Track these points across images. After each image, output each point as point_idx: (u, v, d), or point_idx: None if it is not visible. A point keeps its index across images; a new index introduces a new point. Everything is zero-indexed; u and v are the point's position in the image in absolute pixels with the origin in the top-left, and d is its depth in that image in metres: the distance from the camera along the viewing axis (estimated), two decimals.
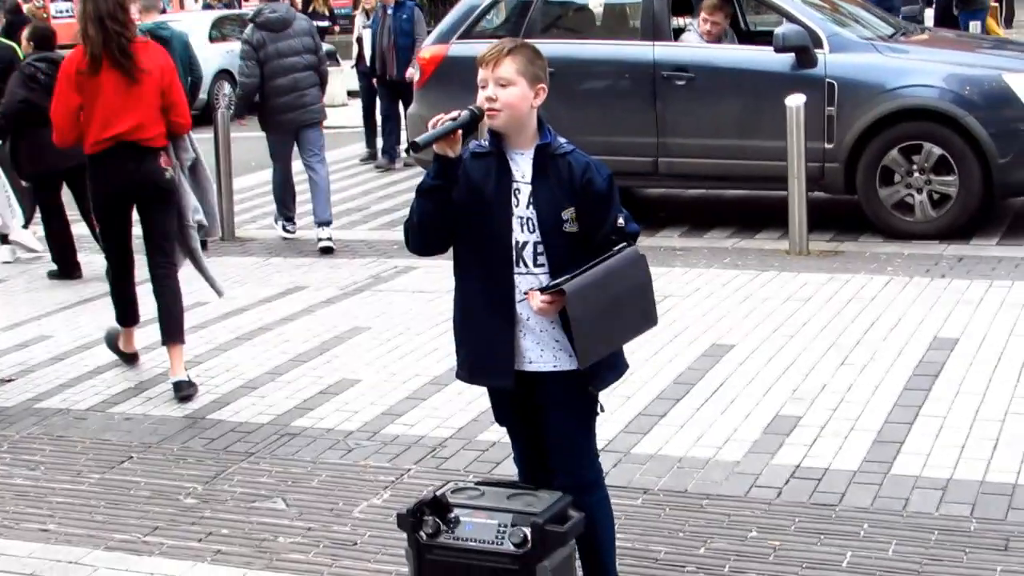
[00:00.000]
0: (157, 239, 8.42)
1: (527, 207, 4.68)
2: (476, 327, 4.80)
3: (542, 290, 4.55)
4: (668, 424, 7.06)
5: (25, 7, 20.73)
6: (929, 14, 20.28)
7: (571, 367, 4.68)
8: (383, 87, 17.20)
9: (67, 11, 35.12)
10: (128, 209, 8.40)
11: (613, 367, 4.83)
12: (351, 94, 22.50)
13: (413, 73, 15.99)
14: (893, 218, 11.26)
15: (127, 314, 8.70)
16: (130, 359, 8.88)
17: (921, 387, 7.41)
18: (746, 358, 8.10)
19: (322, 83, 12.78)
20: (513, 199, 4.68)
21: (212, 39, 25.90)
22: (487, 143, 4.74)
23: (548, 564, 4.45)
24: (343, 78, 24.28)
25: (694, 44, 12.16)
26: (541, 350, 4.71)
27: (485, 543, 4.49)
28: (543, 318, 4.63)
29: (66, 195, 11.61)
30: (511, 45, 4.74)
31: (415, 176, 15.76)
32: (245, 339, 9.30)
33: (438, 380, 8.07)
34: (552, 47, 10.33)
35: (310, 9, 26.43)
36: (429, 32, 15.01)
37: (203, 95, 13.27)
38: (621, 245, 4.67)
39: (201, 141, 14.58)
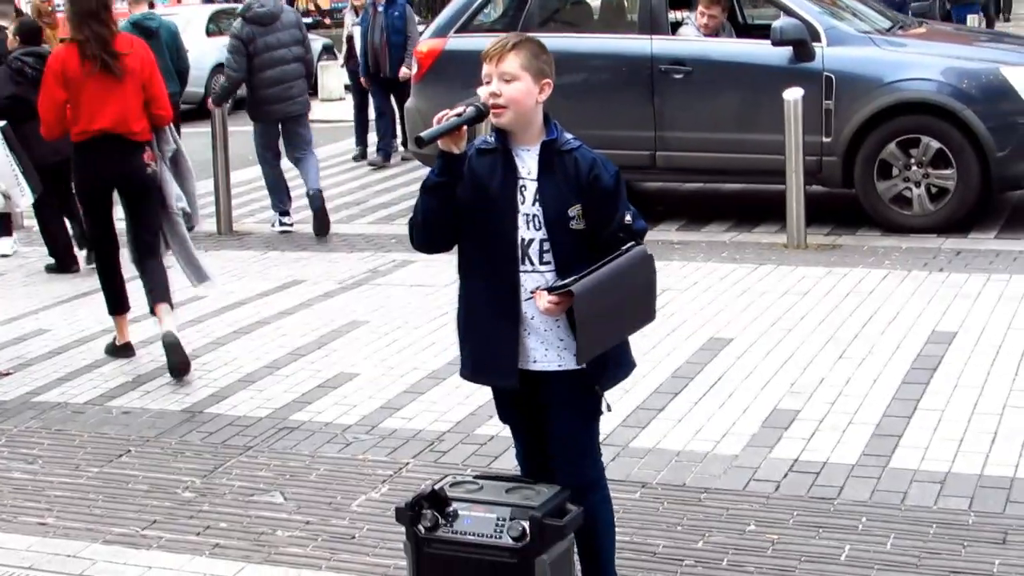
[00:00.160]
0: (142, 234, 8.76)
1: (533, 204, 4.61)
2: (480, 325, 4.75)
3: (549, 290, 4.49)
4: (666, 418, 7.06)
5: (26, 5, 20.71)
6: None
7: (576, 366, 4.65)
8: (376, 85, 17.08)
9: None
10: (111, 197, 8.70)
11: (621, 365, 4.79)
12: (348, 88, 22.49)
13: (407, 73, 16.09)
14: (891, 212, 11.26)
15: (117, 301, 8.93)
16: (125, 351, 8.92)
17: (919, 381, 7.41)
18: (744, 352, 8.10)
19: (308, 74, 13.07)
20: (519, 196, 4.62)
21: (209, 33, 25.92)
22: (492, 139, 4.68)
23: (546, 558, 4.44)
24: (340, 73, 24.27)
25: (692, 38, 12.15)
26: (546, 349, 4.66)
27: (483, 537, 4.48)
28: (548, 317, 4.58)
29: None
30: (515, 40, 4.66)
31: (412, 170, 15.79)
32: (243, 333, 9.30)
33: (436, 374, 8.07)
34: (550, 41, 10.24)
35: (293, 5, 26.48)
36: (422, 28, 15.04)
37: (200, 89, 13.34)
38: (629, 244, 4.61)
39: (199, 135, 14.68)
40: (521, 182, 4.63)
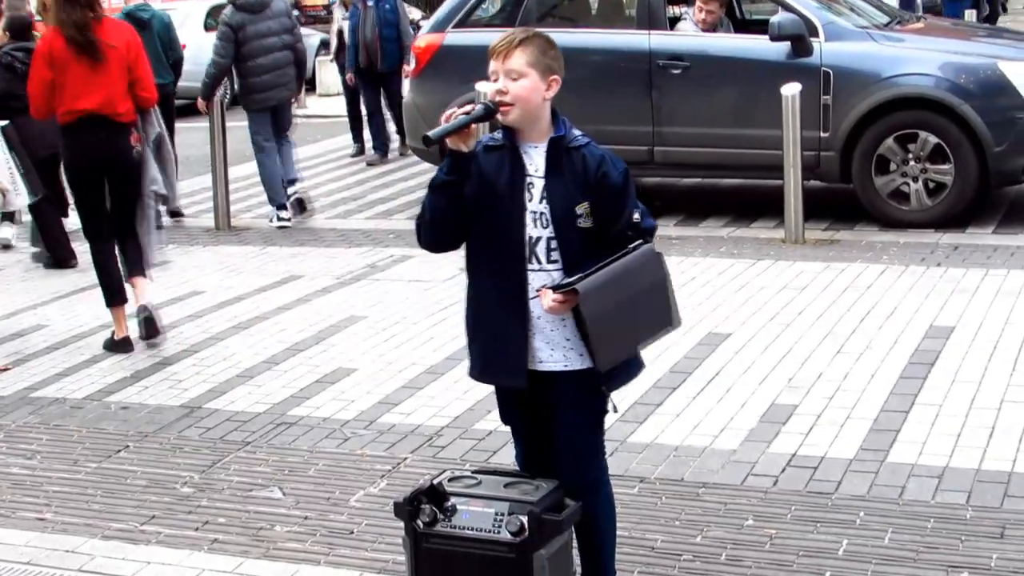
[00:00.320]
0: (124, 211, 9.02)
1: (540, 202, 4.56)
2: (488, 325, 4.72)
3: (554, 288, 4.45)
4: (664, 413, 7.06)
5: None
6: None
7: (582, 366, 4.61)
8: (366, 80, 16.91)
9: None
10: (101, 181, 8.91)
11: (627, 366, 4.72)
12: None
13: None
14: (889, 207, 11.26)
15: (113, 292, 9.05)
16: (124, 346, 8.95)
17: (917, 375, 7.42)
18: (742, 347, 8.11)
19: (299, 62, 13.25)
20: (526, 194, 4.57)
21: (207, 28, 25.86)
22: (500, 136, 4.63)
23: (545, 552, 4.45)
24: (336, 67, 24.24)
25: (690, 33, 12.15)
26: (551, 350, 4.62)
27: (482, 531, 4.49)
28: (554, 316, 4.54)
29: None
30: (522, 36, 4.59)
31: (410, 165, 15.79)
32: (241, 328, 9.30)
33: (434, 369, 8.07)
34: None
35: None
36: (419, 22, 15.03)
37: (198, 84, 13.41)
38: (637, 242, 4.56)
39: (197, 131, 14.68)
40: (528, 179, 4.58)
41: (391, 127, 17.22)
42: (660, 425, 6.89)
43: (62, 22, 8.65)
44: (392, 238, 11.96)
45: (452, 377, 7.87)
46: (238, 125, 13.69)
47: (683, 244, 10.86)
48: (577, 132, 4.66)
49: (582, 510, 4.73)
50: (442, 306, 9.44)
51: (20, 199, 10.28)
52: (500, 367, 4.73)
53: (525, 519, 4.43)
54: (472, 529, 4.50)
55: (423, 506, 4.55)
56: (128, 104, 8.81)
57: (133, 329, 8.98)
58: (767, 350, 8.02)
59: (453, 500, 4.56)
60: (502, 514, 4.48)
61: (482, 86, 11.64)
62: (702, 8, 12.07)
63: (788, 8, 11.51)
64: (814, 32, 11.37)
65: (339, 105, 19.05)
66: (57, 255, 11.69)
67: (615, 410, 4.86)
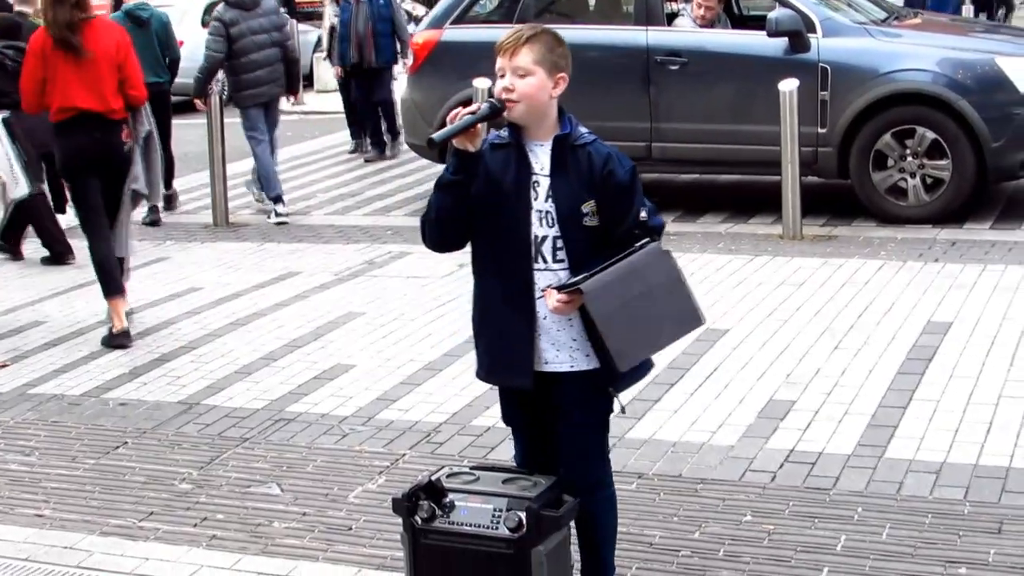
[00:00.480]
0: (110, 211, 9.19)
1: (546, 200, 4.53)
2: (493, 324, 4.70)
3: (559, 288, 4.43)
4: (662, 409, 7.07)
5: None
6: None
7: (588, 367, 4.58)
8: (359, 77, 16.75)
9: None
10: (95, 177, 9.07)
11: (635, 367, 4.64)
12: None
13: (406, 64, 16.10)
14: (886, 202, 11.26)
15: (110, 282, 9.15)
16: (122, 338, 8.97)
17: (915, 371, 7.42)
18: (740, 343, 8.11)
19: (291, 60, 13.51)
20: (532, 192, 4.54)
21: (205, 24, 25.88)
22: (506, 134, 4.59)
23: (543, 548, 4.45)
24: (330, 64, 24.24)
25: (687, 29, 12.15)
26: (557, 350, 4.59)
27: (480, 527, 4.49)
28: (559, 317, 4.51)
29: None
30: (530, 32, 4.55)
31: (408, 162, 15.77)
32: (239, 324, 9.30)
33: (432, 365, 8.08)
34: None
35: None
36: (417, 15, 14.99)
37: (194, 81, 13.52)
38: (643, 240, 4.52)
39: (195, 127, 14.68)
40: (534, 178, 4.54)
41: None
42: (658, 421, 6.90)
43: (49, 21, 8.88)
44: (390, 234, 11.97)
45: (450, 373, 7.87)
46: (236, 122, 13.70)
47: (681, 240, 10.85)
48: (583, 130, 4.62)
49: (584, 510, 4.73)
50: (440, 302, 9.44)
51: (19, 189, 10.29)
52: (506, 367, 4.69)
53: (523, 515, 4.43)
54: (470, 525, 4.50)
55: (421, 502, 4.55)
56: (119, 102, 9.02)
57: (132, 327, 8.97)
58: (765, 346, 8.02)
59: (451, 496, 4.56)
60: (500, 510, 4.48)
61: (480, 82, 11.66)
62: (701, 4, 12.06)
63: (785, 4, 11.50)
64: (811, 28, 11.37)
65: (336, 101, 19.01)
66: (54, 251, 11.70)
67: (623, 411, 4.85)
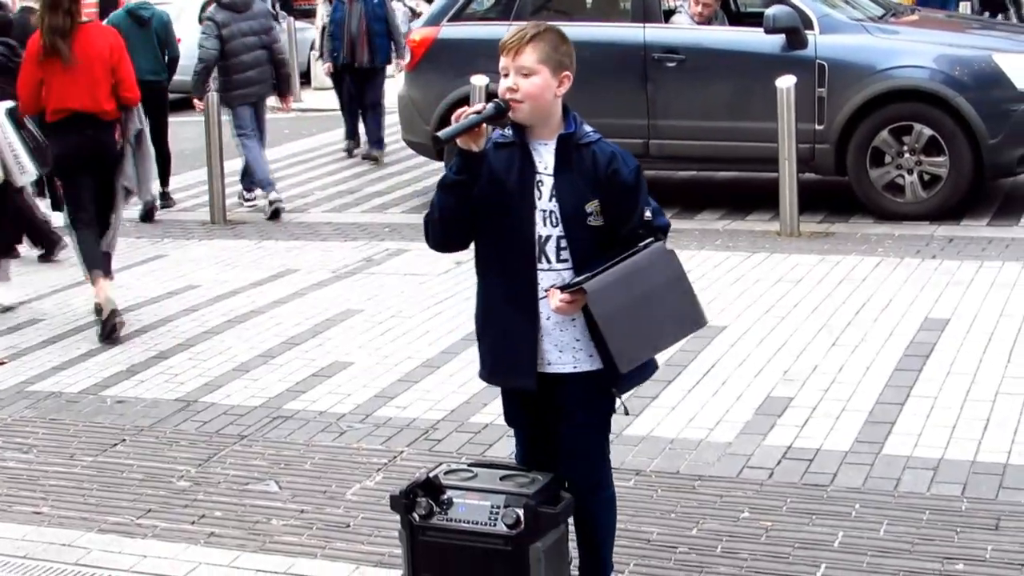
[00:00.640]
0: (103, 209, 9.48)
1: (550, 200, 4.50)
2: (496, 325, 4.67)
3: (562, 288, 4.40)
4: (660, 406, 7.07)
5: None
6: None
7: (591, 368, 4.57)
8: (351, 76, 16.49)
9: None
10: (88, 174, 9.38)
11: (640, 368, 4.62)
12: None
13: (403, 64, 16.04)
14: (884, 199, 11.27)
15: (92, 257, 9.41)
16: (107, 317, 9.09)
17: (912, 367, 7.43)
18: (737, 339, 8.12)
19: (277, 60, 13.70)
20: (535, 191, 4.51)
21: (202, 21, 25.91)
22: (509, 133, 4.56)
23: (540, 545, 4.46)
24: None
25: (685, 26, 12.15)
26: (560, 351, 4.58)
27: (478, 524, 4.50)
28: (562, 317, 4.49)
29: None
30: (534, 31, 4.52)
31: (406, 159, 15.76)
32: (237, 322, 9.30)
33: (430, 362, 8.08)
34: None
35: None
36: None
37: (192, 80, 13.66)
38: (648, 240, 4.50)
39: (192, 124, 14.69)
40: (538, 177, 4.52)
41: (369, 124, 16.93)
42: (656, 418, 6.90)
43: (43, 27, 9.21)
44: (388, 232, 11.97)
45: (448, 371, 7.88)
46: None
47: (678, 237, 10.85)
48: (588, 128, 4.59)
49: (584, 510, 4.73)
50: (438, 300, 9.45)
51: (25, 177, 10.34)
52: (509, 368, 4.67)
53: (521, 512, 4.44)
54: (468, 522, 4.51)
55: (419, 499, 4.55)
56: (112, 103, 9.33)
57: (131, 324, 8.96)
58: (762, 343, 8.03)
59: (449, 493, 4.56)
60: (498, 507, 4.48)
61: (477, 79, 11.66)
62: (699, 1, 12.06)
63: (783, 1, 11.50)
64: (809, 25, 11.37)
65: (333, 99, 18.94)
66: (46, 245, 11.71)
67: (627, 412, 4.85)
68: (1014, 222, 10.90)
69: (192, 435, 7.20)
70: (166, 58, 13.85)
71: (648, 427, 6.77)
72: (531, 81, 4.45)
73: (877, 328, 8.15)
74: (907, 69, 11.11)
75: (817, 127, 11.30)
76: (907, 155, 11.10)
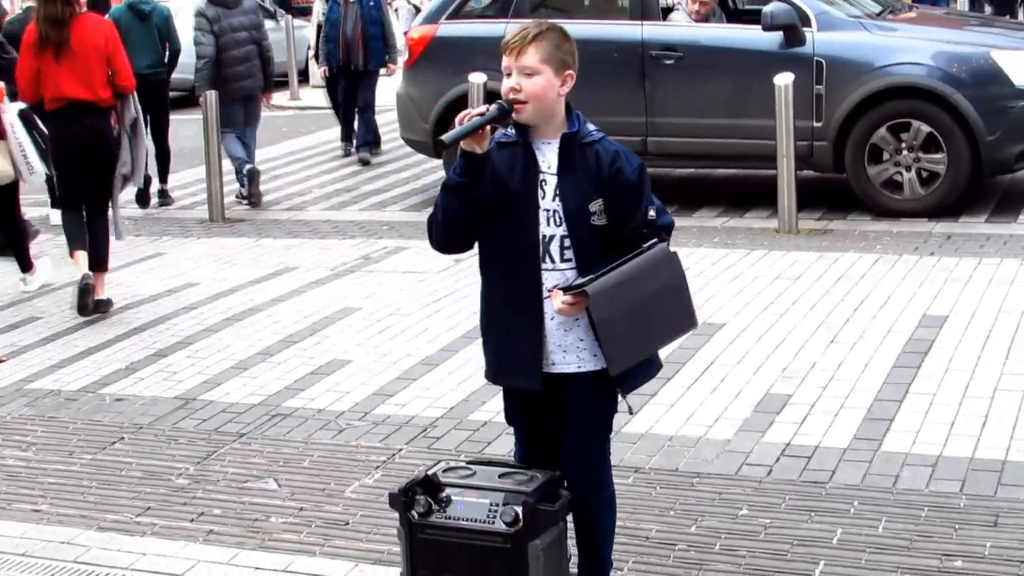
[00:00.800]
0: (99, 188, 9.87)
1: (553, 199, 4.48)
2: (501, 325, 4.64)
3: (565, 289, 4.38)
4: (658, 403, 7.07)
5: None
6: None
7: (595, 367, 4.54)
8: (346, 78, 16.40)
9: None
10: (83, 160, 9.76)
11: (644, 367, 4.63)
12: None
13: (395, 70, 16.02)
14: (882, 196, 11.27)
15: (76, 237, 9.90)
16: (87, 293, 9.64)
17: (910, 364, 7.43)
18: (736, 337, 8.12)
19: (264, 57, 14.06)
20: (539, 191, 4.48)
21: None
22: (513, 132, 4.53)
23: (539, 543, 4.46)
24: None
25: (682, 23, 12.15)
26: (564, 352, 4.56)
27: (476, 522, 4.49)
28: (566, 317, 4.45)
29: None
30: (536, 31, 4.48)
31: (404, 157, 15.76)
32: (235, 320, 9.31)
33: (429, 360, 8.08)
34: None
35: None
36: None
37: (190, 76, 13.75)
38: (651, 241, 4.48)
39: (191, 122, 14.68)
40: (541, 176, 4.49)
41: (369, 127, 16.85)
42: (654, 415, 6.90)
43: (38, 17, 9.59)
44: (386, 229, 11.97)
45: (447, 368, 7.88)
46: None
47: (676, 235, 10.68)
48: (591, 127, 4.57)
49: (584, 509, 4.73)
50: (436, 297, 9.45)
51: (36, 177, 10.42)
52: (513, 369, 4.65)
53: (519, 509, 4.43)
54: (467, 520, 4.51)
55: (418, 497, 4.55)
56: (107, 92, 9.71)
57: (129, 322, 8.95)
58: (761, 340, 8.03)
59: (448, 491, 4.56)
60: (497, 504, 4.48)
61: (475, 77, 11.66)
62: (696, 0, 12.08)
63: None
64: (806, 22, 11.38)
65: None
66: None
67: (631, 412, 4.84)
68: (1012, 219, 10.91)
69: (191, 433, 7.20)
70: (167, 52, 14.00)
71: (647, 424, 6.77)
72: (534, 81, 4.42)
73: (875, 325, 8.16)
74: (905, 66, 11.12)
75: (815, 124, 11.31)
76: (905, 152, 11.11)
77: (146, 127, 11.50)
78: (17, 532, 6.03)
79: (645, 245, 4.46)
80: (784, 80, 10.67)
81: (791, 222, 10.84)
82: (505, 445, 6.39)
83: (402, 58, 14.10)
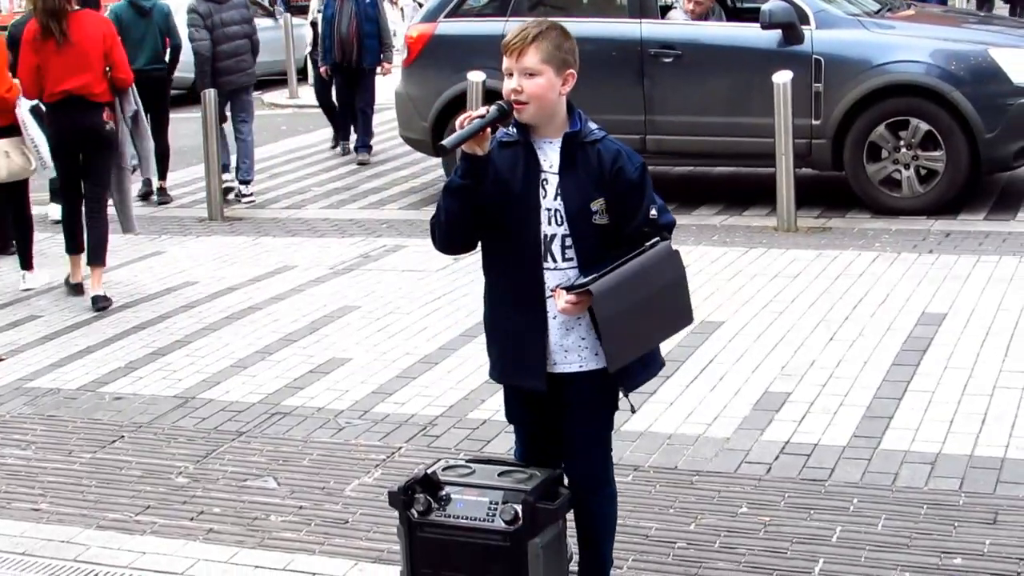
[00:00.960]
0: (94, 182, 10.19)
1: (555, 198, 4.48)
2: (504, 325, 4.65)
3: (568, 289, 4.37)
4: (658, 401, 7.07)
5: None
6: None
7: (597, 366, 4.55)
8: (341, 76, 16.23)
9: None
10: (77, 154, 10.13)
11: (647, 366, 4.65)
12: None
13: (389, 69, 15.97)
14: (881, 194, 11.27)
15: (74, 244, 10.32)
16: (77, 290, 10.21)
17: (910, 362, 7.43)
18: (735, 335, 8.12)
19: (254, 51, 14.40)
20: (540, 190, 4.49)
21: None
22: (514, 132, 4.53)
23: (539, 541, 4.46)
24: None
25: (681, 21, 12.15)
26: (566, 351, 4.56)
27: (476, 520, 4.50)
28: (568, 317, 4.46)
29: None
30: (536, 31, 4.47)
31: (403, 155, 15.75)
32: (235, 318, 9.31)
33: (428, 359, 8.08)
34: None
35: None
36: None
37: (190, 74, 13.83)
38: (653, 240, 4.49)
39: (190, 121, 14.69)
40: (543, 176, 4.49)
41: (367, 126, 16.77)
42: (654, 414, 6.90)
43: (37, 10, 9.78)
44: (385, 228, 11.97)
45: (446, 367, 7.88)
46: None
47: (675, 233, 10.72)
48: (593, 126, 4.57)
49: (585, 507, 4.74)
50: (435, 296, 9.45)
51: (48, 173, 10.99)
52: (518, 369, 4.65)
53: (519, 508, 4.44)
54: (466, 518, 4.51)
55: (417, 495, 4.56)
56: (104, 86, 9.98)
57: (129, 320, 8.96)
58: (760, 338, 8.03)
59: (447, 489, 4.57)
60: (496, 503, 4.49)
61: (474, 76, 11.66)
62: None
63: None
64: (805, 20, 11.37)
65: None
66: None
67: (633, 410, 4.84)
68: (1011, 216, 10.91)
69: (190, 431, 7.20)
70: (168, 48, 14.10)
71: (646, 423, 6.78)
72: (535, 82, 4.42)
73: (874, 323, 8.16)
74: (903, 64, 11.11)
75: (814, 122, 11.31)
76: (904, 150, 11.11)
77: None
78: (17, 531, 6.04)
79: (647, 244, 4.47)
80: (783, 78, 10.67)
81: (790, 220, 10.84)
82: (505, 443, 6.40)
83: (401, 57, 14.08)
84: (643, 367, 4.63)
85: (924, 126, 11.00)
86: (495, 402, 6.85)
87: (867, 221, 11.01)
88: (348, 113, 16.54)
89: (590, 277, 4.35)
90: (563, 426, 4.71)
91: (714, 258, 9.99)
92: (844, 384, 7.16)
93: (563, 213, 4.49)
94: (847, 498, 5.77)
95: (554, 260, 4.52)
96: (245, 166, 14.01)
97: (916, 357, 7.51)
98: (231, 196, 13.84)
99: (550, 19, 4.66)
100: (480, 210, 4.50)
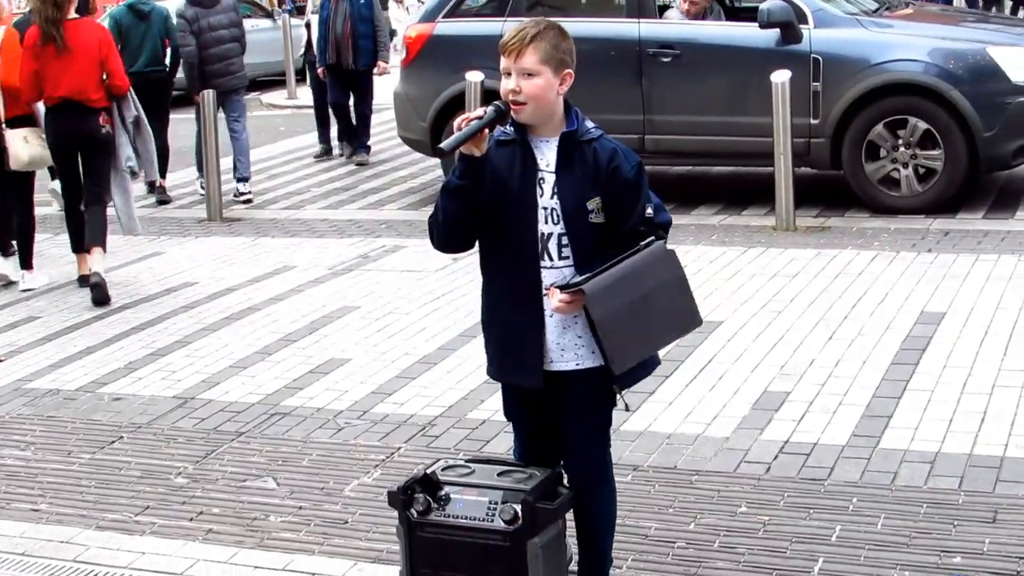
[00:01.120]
0: (93, 182, 10.41)
1: (551, 197, 4.48)
2: (501, 323, 4.66)
3: (561, 288, 4.38)
4: (657, 401, 7.07)
5: None
6: None
7: (593, 364, 4.55)
8: (335, 77, 16.02)
9: None
10: (75, 155, 10.42)
11: (642, 364, 4.62)
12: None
13: (385, 68, 15.95)
14: (879, 193, 11.27)
15: (79, 240, 10.57)
16: (84, 282, 10.34)
17: (909, 361, 7.43)
18: (734, 334, 8.12)
19: (242, 53, 14.45)
20: (537, 189, 4.49)
21: None
22: (511, 130, 4.54)
23: (538, 540, 4.47)
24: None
25: (679, 21, 12.15)
26: (562, 349, 4.57)
27: (476, 520, 4.50)
28: (564, 315, 4.46)
29: None
30: (534, 31, 4.48)
31: (402, 156, 15.75)
32: (234, 319, 9.31)
33: (427, 359, 8.08)
34: None
35: None
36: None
37: (186, 79, 13.84)
38: (649, 240, 4.48)
39: (189, 121, 14.70)
40: (540, 175, 4.50)
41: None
42: (653, 413, 6.90)
43: (39, 18, 10.07)
44: (384, 228, 11.97)
45: (445, 367, 7.88)
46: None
47: (674, 232, 10.70)
48: (590, 124, 4.58)
49: (584, 505, 4.74)
50: (434, 296, 9.45)
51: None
52: (515, 367, 4.66)
53: (518, 507, 4.44)
54: (466, 518, 4.51)
55: (417, 495, 4.56)
56: (100, 92, 10.25)
57: (129, 320, 8.96)
58: (759, 337, 8.03)
59: (447, 489, 4.57)
60: (496, 503, 4.49)
61: (472, 75, 11.66)
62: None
63: None
64: (803, 19, 11.37)
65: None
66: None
67: (627, 408, 4.84)
68: (1009, 215, 10.91)
69: (190, 432, 7.20)
70: (168, 51, 14.14)
71: (645, 422, 6.78)
72: (533, 82, 4.43)
73: (873, 322, 8.16)
74: (902, 63, 11.11)
75: (812, 121, 11.31)
76: (902, 149, 11.11)
77: None
78: (16, 531, 6.04)
79: (642, 243, 4.46)
80: (781, 77, 10.67)
81: (788, 219, 10.84)
82: (504, 443, 6.40)
83: (400, 57, 14.08)
84: (639, 365, 4.61)
85: (923, 125, 11.00)
86: (494, 402, 6.85)
87: (866, 220, 11.01)
88: (339, 115, 16.32)
89: (583, 276, 4.35)
90: (560, 424, 4.72)
91: (713, 258, 9.99)
92: (843, 383, 7.16)
93: (559, 212, 4.49)
94: (846, 497, 5.77)
95: (551, 259, 4.53)
96: (242, 163, 14.01)
97: (915, 356, 7.51)
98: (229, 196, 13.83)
99: (548, 19, 4.66)
100: (478, 210, 4.50)
